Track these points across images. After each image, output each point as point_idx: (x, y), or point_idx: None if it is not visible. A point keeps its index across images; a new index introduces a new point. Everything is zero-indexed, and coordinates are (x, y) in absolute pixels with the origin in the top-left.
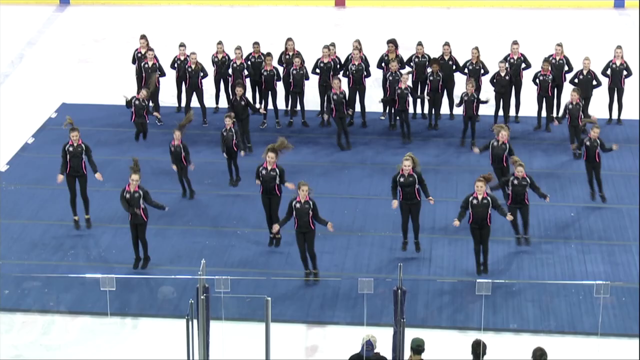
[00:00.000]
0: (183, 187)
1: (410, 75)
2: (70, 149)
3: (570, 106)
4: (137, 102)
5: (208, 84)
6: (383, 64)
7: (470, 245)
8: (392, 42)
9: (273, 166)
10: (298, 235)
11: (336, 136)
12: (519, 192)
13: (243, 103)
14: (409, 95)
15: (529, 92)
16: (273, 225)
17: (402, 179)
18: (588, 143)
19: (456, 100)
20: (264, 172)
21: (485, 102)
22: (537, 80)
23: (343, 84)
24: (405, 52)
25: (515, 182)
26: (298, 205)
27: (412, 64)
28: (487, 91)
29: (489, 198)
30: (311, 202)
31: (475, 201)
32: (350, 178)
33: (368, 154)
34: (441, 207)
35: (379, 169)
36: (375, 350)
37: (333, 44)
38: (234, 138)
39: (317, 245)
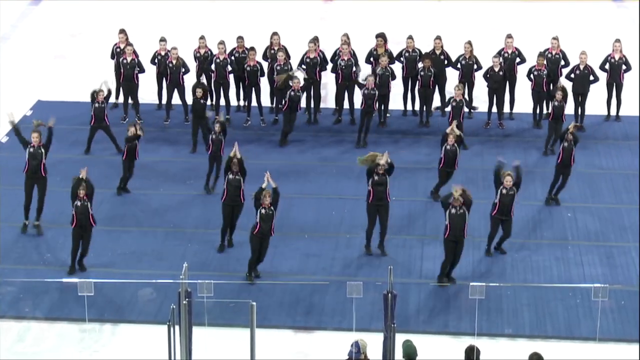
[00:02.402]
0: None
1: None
2: (31, 149)
3: (556, 103)
4: (97, 104)
5: (190, 80)
6: (372, 59)
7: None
8: (381, 36)
9: (237, 171)
10: (253, 239)
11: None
12: (507, 202)
13: (202, 102)
14: (376, 96)
15: (523, 88)
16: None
17: (376, 177)
18: (566, 144)
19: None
20: (230, 176)
21: (475, 108)
22: (532, 76)
23: (331, 79)
24: (395, 47)
25: (504, 191)
26: (263, 211)
27: (402, 58)
28: (480, 87)
29: (464, 209)
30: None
31: (453, 210)
32: (338, 177)
33: (357, 152)
34: (432, 208)
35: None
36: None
37: (317, 38)
38: (222, 143)
39: (302, 247)
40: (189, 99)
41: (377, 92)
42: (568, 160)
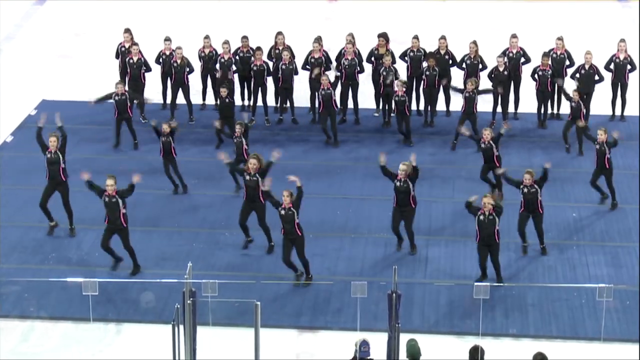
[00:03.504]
0: (173, 182)
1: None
2: (48, 155)
3: (574, 104)
4: (117, 97)
5: (194, 80)
6: (373, 59)
7: (467, 247)
8: (383, 36)
9: (256, 171)
10: (283, 241)
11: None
12: (531, 199)
13: (227, 101)
14: (407, 101)
15: (528, 88)
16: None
17: (397, 184)
18: (597, 147)
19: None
20: (247, 177)
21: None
22: (536, 76)
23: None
24: (401, 47)
25: (525, 190)
26: (283, 212)
27: (406, 58)
28: (485, 86)
29: (494, 215)
30: (294, 210)
31: (482, 217)
32: (343, 177)
33: (361, 152)
34: (437, 208)
35: (372, 167)
36: (369, 357)
37: (320, 37)
38: (244, 145)
39: (308, 246)
40: (195, 99)
41: (406, 98)
42: (603, 161)
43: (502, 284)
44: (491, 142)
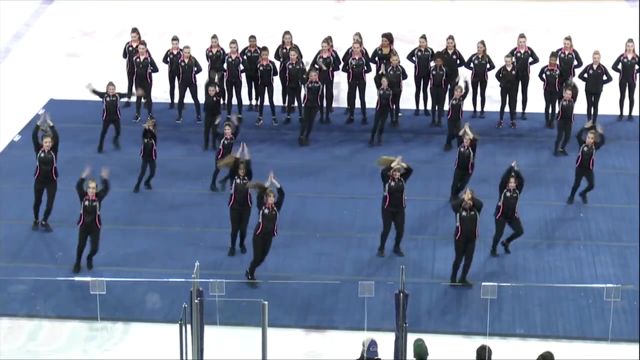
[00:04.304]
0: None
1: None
2: (42, 155)
3: (565, 103)
4: (107, 97)
5: (202, 79)
6: (377, 59)
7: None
8: (386, 37)
9: (243, 174)
10: (256, 240)
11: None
12: (511, 205)
13: (215, 99)
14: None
15: (536, 87)
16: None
17: (392, 184)
18: (585, 149)
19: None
20: (237, 180)
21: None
22: (544, 76)
23: (343, 78)
24: (408, 47)
25: (508, 194)
26: (266, 211)
27: (414, 58)
28: (493, 87)
29: (475, 210)
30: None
31: (464, 213)
32: (350, 177)
33: (369, 151)
34: (444, 208)
35: (379, 167)
36: (377, 357)
37: (330, 38)
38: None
39: (314, 246)
40: (202, 98)
41: (391, 92)
42: (587, 163)
43: (510, 284)
44: (470, 148)
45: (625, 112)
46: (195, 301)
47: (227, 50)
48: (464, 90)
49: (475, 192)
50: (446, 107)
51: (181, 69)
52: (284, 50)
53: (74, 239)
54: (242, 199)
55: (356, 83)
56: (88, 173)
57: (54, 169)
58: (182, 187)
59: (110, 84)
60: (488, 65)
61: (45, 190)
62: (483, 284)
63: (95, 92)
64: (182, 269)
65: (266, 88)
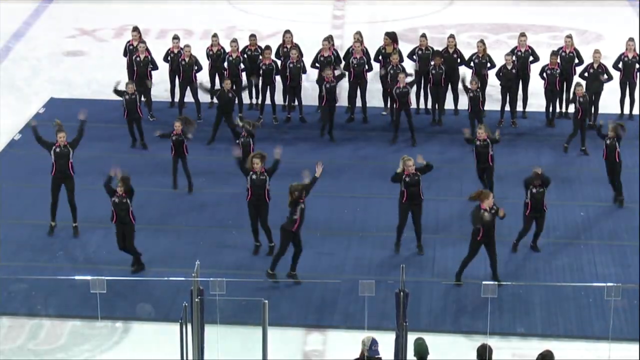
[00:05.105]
0: (175, 179)
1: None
2: (57, 150)
3: (581, 99)
4: (127, 96)
5: (202, 78)
6: (380, 58)
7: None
8: (389, 35)
9: (261, 170)
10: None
11: (321, 128)
12: (539, 200)
13: (230, 96)
14: (409, 93)
15: (536, 86)
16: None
17: (407, 179)
18: (608, 142)
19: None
20: (254, 177)
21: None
22: (545, 74)
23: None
24: (408, 46)
25: (534, 190)
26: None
27: (414, 56)
28: (494, 85)
29: (495, 206)
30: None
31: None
32: (351, 176)
33: (369, 150)
34: (445, 207)
35: (380, 166)
36: (377, 356)
37: (331, 37)
38: (251, 145)
39: (315, 245)
40: (202, 97)
41: (409, 89)
42: (613, 155)
43: (511, 283)
44: (487, 139)
45: (626, 111)
46: (196, 300)
47: (228, 49)
48: (472, 84)
49: (474, 190)
50: (446, 107)
51: (182, 67)
52: (285, 49)
53: (75, 240)
54: (258, 194)
55: (357, 82)
56: (116, 172)
57: (71, 164)
58: (183, 185)
59: (130, 82)
60: (488, 64)
61: (64, 186)
62: (484, 283)
63: (117, 91)
64: (183, 267)
65: (268, 87)
